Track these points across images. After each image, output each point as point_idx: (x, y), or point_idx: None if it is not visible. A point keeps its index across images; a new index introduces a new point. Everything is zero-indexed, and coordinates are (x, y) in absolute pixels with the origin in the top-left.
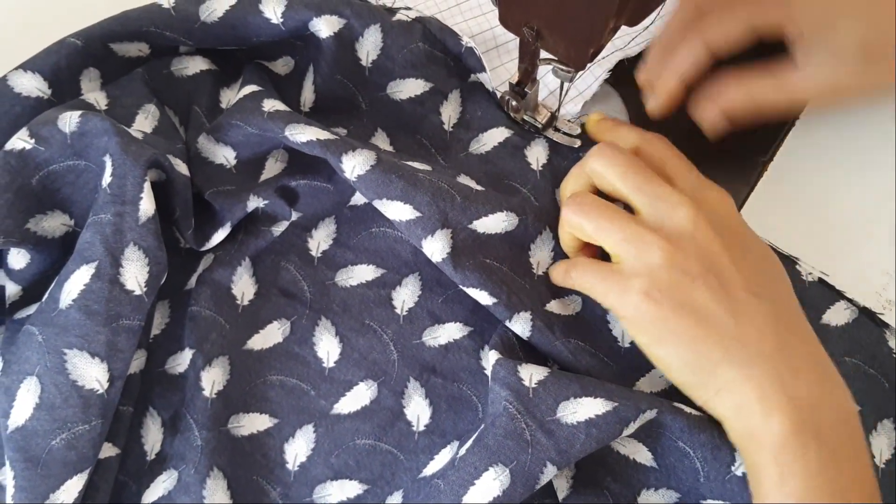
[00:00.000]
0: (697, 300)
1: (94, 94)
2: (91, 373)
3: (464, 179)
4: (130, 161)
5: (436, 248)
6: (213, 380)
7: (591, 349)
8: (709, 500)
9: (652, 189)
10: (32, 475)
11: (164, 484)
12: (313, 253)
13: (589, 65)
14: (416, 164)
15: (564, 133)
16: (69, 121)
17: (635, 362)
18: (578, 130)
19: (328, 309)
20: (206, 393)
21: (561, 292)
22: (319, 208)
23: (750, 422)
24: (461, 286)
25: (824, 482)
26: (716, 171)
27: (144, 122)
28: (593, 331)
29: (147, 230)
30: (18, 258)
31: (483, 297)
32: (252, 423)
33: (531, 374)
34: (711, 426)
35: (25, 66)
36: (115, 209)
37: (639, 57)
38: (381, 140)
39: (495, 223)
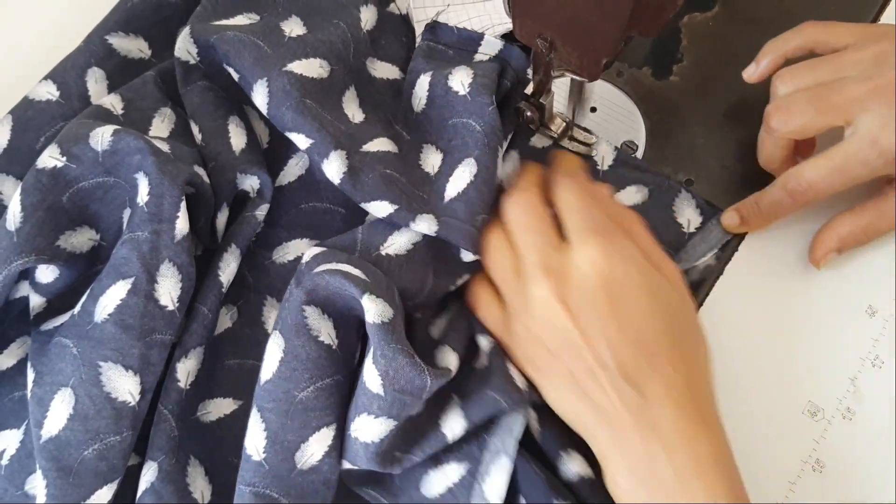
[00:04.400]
0: (558, 370)
1: (110, 99)
2: (124, 385)
3: (349, 98)
4: (168, 181)
5: (333, 168)
6: (188, 370)
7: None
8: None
9: (526, 248)
10: (64, 484)
11: (145, 477)
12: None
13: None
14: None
15: (580, 142)
16: (101, 138)
17: None
18: (594, 140)
19: (272, 287)
20: (182, 384)
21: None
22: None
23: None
24: (361, 204)
25: None
26: (739, 185)
27: (161, 125)
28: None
29: (181, 248)
30: (47, 273)
31: (384, 208)
32: (218, 408)
33: (313, 253)
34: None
35: (46, 77)
36: (153, 227)
37: (656, 71)
38: (296, 24)
39: (381, 145)
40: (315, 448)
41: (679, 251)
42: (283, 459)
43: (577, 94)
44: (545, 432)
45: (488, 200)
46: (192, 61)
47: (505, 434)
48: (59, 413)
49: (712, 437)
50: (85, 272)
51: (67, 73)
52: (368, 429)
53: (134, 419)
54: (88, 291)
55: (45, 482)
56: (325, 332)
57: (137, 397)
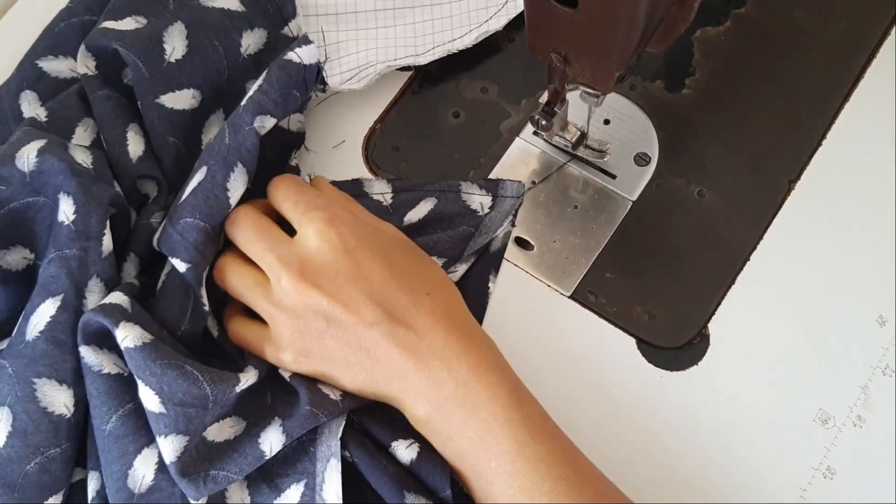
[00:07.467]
0: (333, 351)
1: (36, 110)
2: (59, 399)
3: (213, 121)
4: (94, 201)
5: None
6: None
7: None
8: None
9: (260, 255)
10: (10, 499)
11: (91, 485)
12: None
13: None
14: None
15: (595, 150)
16: (27, 159)
17: None
18: (609, 145)
19: None
20: None
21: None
22: None
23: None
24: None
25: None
26: (743, 191)
27: (84, 134)
28: None
29: (108, 263)
30: None
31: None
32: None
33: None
34: None
35: None
36: (80, 244)
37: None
38: (179, 38)
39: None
40: (144, 470)
41: (480, 229)
42: (119, 490)
43: (590, 107)
44: (373, 427)
45: (204, 210)
46: (91, 73)
47: (329, 439)
48: None
49: (481, 347)
50: (25, 293)
51: (2, 100)
52: (165, 449)
53: (70, 430)
54: (24, 312)
55: None
56: (110, 363)
57: (72, 409)
